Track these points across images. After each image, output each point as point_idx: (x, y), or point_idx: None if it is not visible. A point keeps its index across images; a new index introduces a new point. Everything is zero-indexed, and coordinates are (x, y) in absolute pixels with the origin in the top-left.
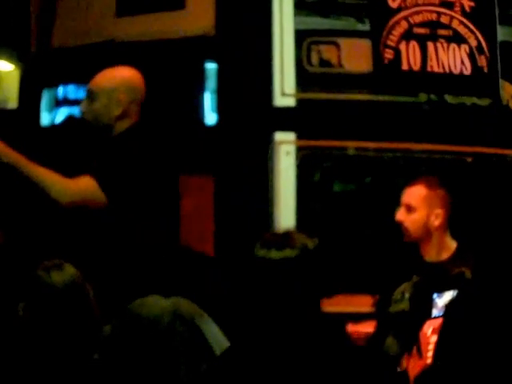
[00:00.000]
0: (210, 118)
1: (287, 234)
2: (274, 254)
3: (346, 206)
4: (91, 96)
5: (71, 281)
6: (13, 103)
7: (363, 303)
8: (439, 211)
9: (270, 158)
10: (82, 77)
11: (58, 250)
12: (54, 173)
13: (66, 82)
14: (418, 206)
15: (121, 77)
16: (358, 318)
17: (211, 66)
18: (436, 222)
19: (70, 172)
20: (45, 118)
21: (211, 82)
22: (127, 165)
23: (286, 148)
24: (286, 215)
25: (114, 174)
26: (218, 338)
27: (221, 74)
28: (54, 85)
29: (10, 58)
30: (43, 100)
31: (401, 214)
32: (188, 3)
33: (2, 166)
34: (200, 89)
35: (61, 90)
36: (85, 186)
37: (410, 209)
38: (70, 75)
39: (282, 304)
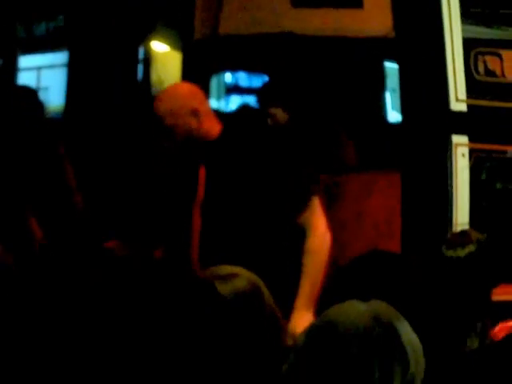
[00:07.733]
0: (392, 116)
1: (464, 233)
2: (460, 252)
3: (506, 203)
4: None
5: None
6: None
7: None
8: None
9: (449, 158)
10: (254, 65)
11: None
12: (312, 272)
13: (234, 70)
14: None
15: None
16: None
17: (390, 66)
18: None
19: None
20: (213, 105)
21: (391, 82)
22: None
23: (461, 150)
24: (461, 213)
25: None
26: (412, 341)
27: (402, 75)
28: (221, 72)
29: (166, 40)
30: (212, 87)
31: None
32: (366, 2)
33: None
34: (381, 88)
35: (230, 78)
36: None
37: None
38: (240, 63)
39: (467, 296)
